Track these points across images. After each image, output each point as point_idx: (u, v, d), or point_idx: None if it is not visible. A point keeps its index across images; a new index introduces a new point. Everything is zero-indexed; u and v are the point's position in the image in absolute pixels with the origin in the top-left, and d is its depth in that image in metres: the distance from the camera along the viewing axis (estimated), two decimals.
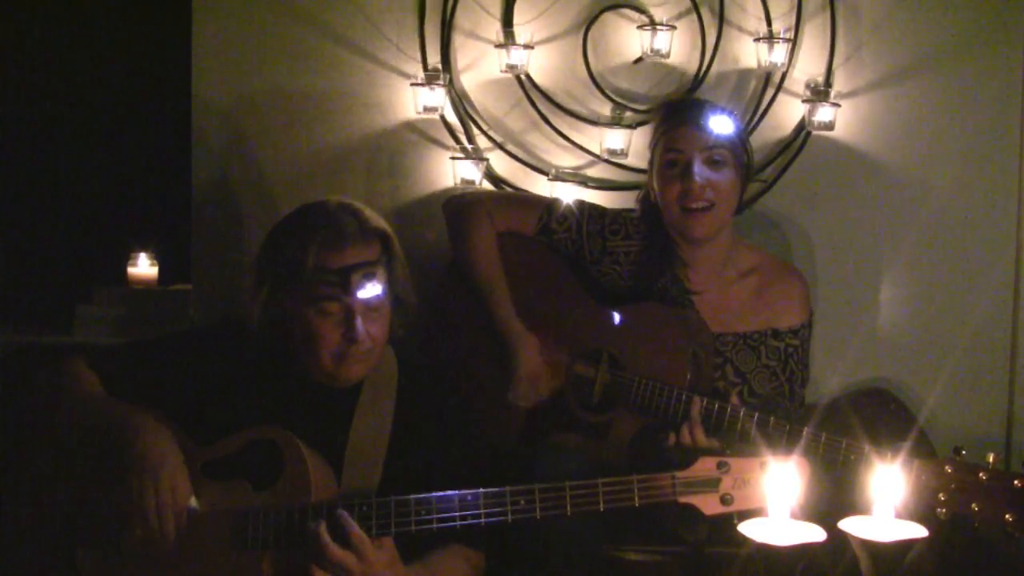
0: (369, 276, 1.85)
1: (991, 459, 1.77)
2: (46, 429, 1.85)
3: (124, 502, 1.72)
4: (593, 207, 2.47)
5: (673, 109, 2.36)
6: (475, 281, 2.38)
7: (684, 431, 2.09)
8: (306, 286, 1.83)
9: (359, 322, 1.84)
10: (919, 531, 1.46)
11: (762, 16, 2.70)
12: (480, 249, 2.38)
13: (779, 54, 2.69)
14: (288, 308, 1.86)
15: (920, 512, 1.66)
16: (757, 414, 2.09)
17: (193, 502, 1.75)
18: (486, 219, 2.40)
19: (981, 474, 1.76)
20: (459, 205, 2.47)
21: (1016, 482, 1.73)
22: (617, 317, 2.30)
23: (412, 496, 1.74)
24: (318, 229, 1.86)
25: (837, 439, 2.02)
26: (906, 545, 1.43)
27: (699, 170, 2.23)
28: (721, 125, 2.27)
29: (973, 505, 1.76)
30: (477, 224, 2.40)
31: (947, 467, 1.79)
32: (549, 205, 2.45)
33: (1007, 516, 1.73)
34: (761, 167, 2.69)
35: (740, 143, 2.32)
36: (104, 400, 1.85)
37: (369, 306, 1.86)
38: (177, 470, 1.74)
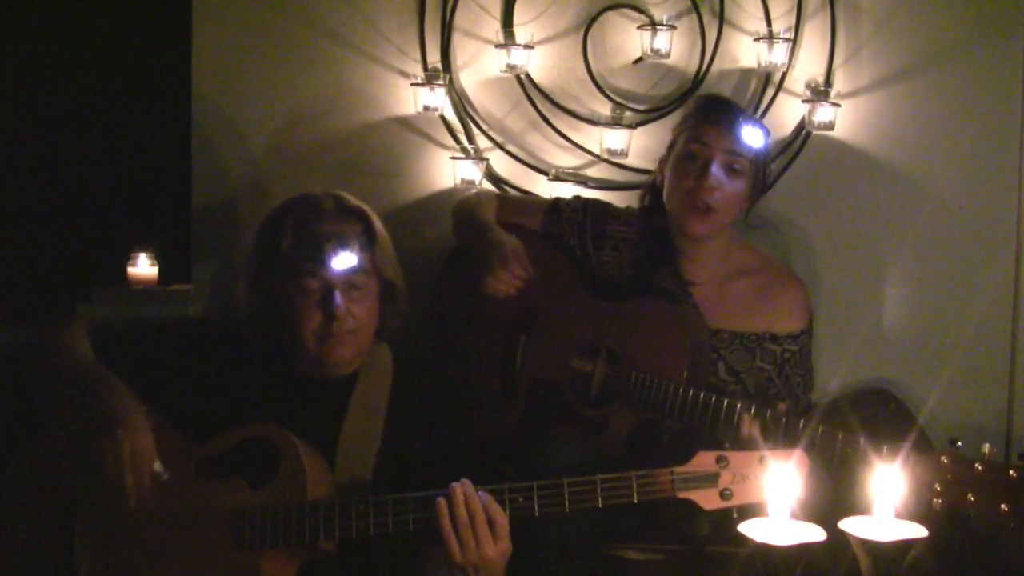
0: (343, 245, 1.84)
1: (986, 450, 1.77)
2: (40, 395, 1.84)
3: (93, 466, 1.71)
4: (598, 200, 2.54)
5: (710, 104, 2.37)
6: (472, 229, 2.40)
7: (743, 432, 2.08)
8: (286, 265, 1.84)
9: (337, 296, 1.83)
10: (919, 531, 1.46)
11: (762, 16, 2.70)
12: (484, 212, 2.44)
13: (779, 54, 2.69)
14: (273, 292, 1.87)
15: (917, 504, 1.66)
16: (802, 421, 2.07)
17: (157, 466, 1.73)
18: (494, 205, 2.48)
19: (977, 465, 1.76)
20: (470, 196, 2.57)
21: (1012, 472, 1.73)
22: (616, 311, 2.30)
23: (409, 494, 1.74)
24: (295, 209, 1.88)
25: (833, 431, 2.03)
26: (906, 545, 1.43)
27: (715, 171, 2.25)
28: (752, 136, 2.28)
29: (969, 496, 1.76)
30: (484, 205, 2.47)
31: (943, 459, 1.79)
32: (556, 198, 2.54)
33: (1003, 507, 1.73)
34: None
35: (762, 160, 2.34)
36: (81, 365, 1.84)
37: (348, 281, 1.85)
38: (138, 432, 1.72)
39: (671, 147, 2.36)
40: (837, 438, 2.02)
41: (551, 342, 2.31)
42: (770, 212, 2.71)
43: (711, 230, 2.29)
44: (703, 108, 2.35)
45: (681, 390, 2.15)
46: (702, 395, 2.14)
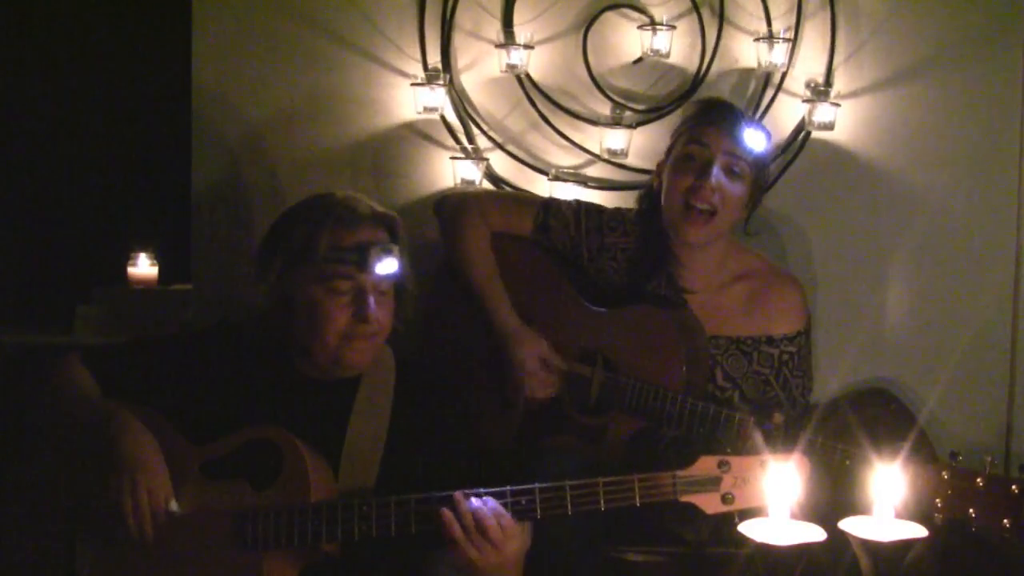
0: (387, 251, 1.86)
1: (988, 464, 1.77)
2: (41, 428, 1.85)
3: (105, 503, 1.72)
4: (590, 205, 2.47)
5: (710, 106, 2.34)
6: (469, 281, 2.36)
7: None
8: (317, 266, 1.84)
9: (372, 300, 1.84)
10: (919, 531, 1.46)
11: (762, 16, 2.70)
12: (474, 248, 2.37)
13: (779, 54, 2.69)
14: (296, 290, 1.86)
15: (917, 518, 1.66)
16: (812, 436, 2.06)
17: (173, 505, 1.75)
18: (480, 219, 2.40)
19: (978, 479, 1.76)
20: (452, 206, 2.47)
21: (1014, 488, 1.73)
22: (612, 318, 2.29)
23: (412, 496, 1.74)
24: (330, 211, 1.87)
25: (833, 443, 2.03)
26: (906, 545, 1.43)
27: (716, 172, 2.22)
28: (754, 140, 2.25)
29: (970, 511, 1.76)
30: (471, 224, 2.39)
31: (944, 473, 1.79)
32: (545, 203, 2.45)
33: (1005, 521, 1.73)
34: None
35: (763, 164, 2.31)
36: (92, 401, 1.85)
37: (380, 287, 1.86)
38: (155, 473, 1.74)
39: (669, 151, 2.34)
40: (836, 449, 2.01)
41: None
42: (770, 212, 2.71)
43: (709, 235, 2.26)
44: (703, 110, 2.33)
45: (679, 399, 2.14)
46: (700, 406, 2.13)
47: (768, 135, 2.34)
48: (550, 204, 2.44)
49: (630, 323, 2.26)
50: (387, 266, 1.86)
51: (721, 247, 2.33)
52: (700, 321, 2.28)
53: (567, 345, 2.29)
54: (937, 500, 1.78)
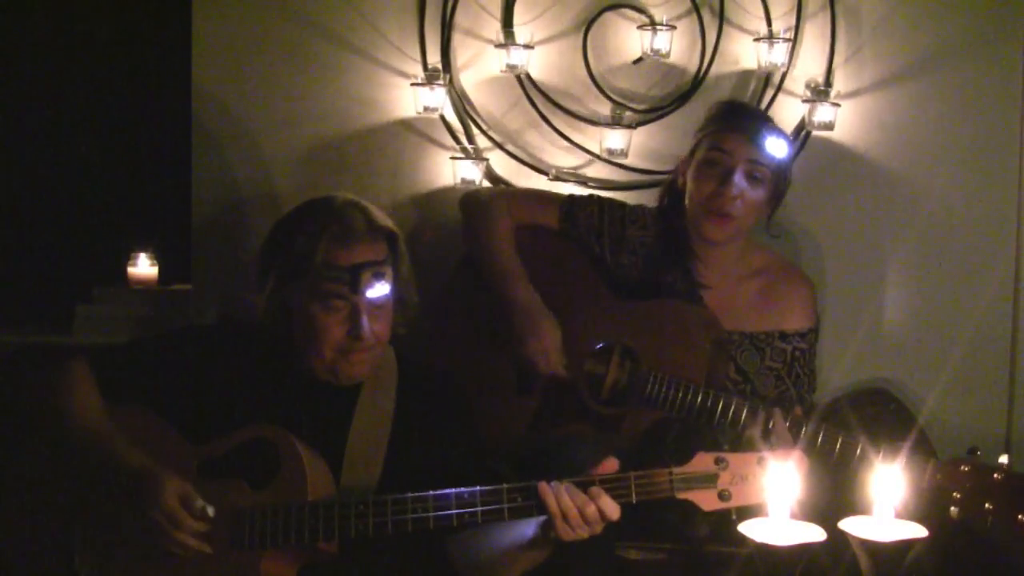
0: (379, 276, 1.85)
1: (1004, 460, 1.79)
2: (41, 433, 1.84)
3: (152, 540, 1.72)
4: (612, 199, 2.50)
5: (733, 111, 2.37)
6: (493, 267, 2.37)
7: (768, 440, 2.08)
8: (313, 281, 1.83)
9: (365, 320, 1.83)
10: (919, 531, 1.46)
11: (762, 16, 2.70)
12: (500, 238, 2.39)
13: (779, 54, 2.69)
14: (293, 302, 1.86)
15: (934, 511, 1.67)
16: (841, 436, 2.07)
17: (210, 511, 1.71)
18: (506, 213, 2.42)
19: (996, 475, 1.78)
20: (477, 200, 2.50)
21: None
22: (633, 311, 2.29)
23: (409, 494, 1.74)
24: (327, 225, 1.85)
25: (834, 433, 2.03)
26: (906, 545, 1.43)
27: (738, 179, 2.25)
28: (775, 146, 2.28)
29: (987, 505, 1.77)
30: (496, 216, 2.42)
31: (963, 467, 1.81)
32: (570, 196, 2.49)
33: (1020, 517, 1.74)
34: None
35: (784, 170, 2.33)
36: (96, 426, 1.81)
37: (375, 304, 1.86)
38: (171, 483, 1.70)
39: (693, 151, 2.35)
40: (837, 441, 2.02)
41: (567, 341, 2.29)
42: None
43: (730, 235, 2.30)
44: (725, 114, 2.35)
45: (701, 393, 2.15)
46: (723, 398, 2.13)
47: (789, 141, 2.35)
48: (575, 196, 2.50)
49: (652, 316, 2.28)
50: (379, 290, 1.85)
51: (739, 245, 2.37)
52: (717, 317, 2.29)
53: (587, 336, 2.29)
54: (955, 494, 1.79)
